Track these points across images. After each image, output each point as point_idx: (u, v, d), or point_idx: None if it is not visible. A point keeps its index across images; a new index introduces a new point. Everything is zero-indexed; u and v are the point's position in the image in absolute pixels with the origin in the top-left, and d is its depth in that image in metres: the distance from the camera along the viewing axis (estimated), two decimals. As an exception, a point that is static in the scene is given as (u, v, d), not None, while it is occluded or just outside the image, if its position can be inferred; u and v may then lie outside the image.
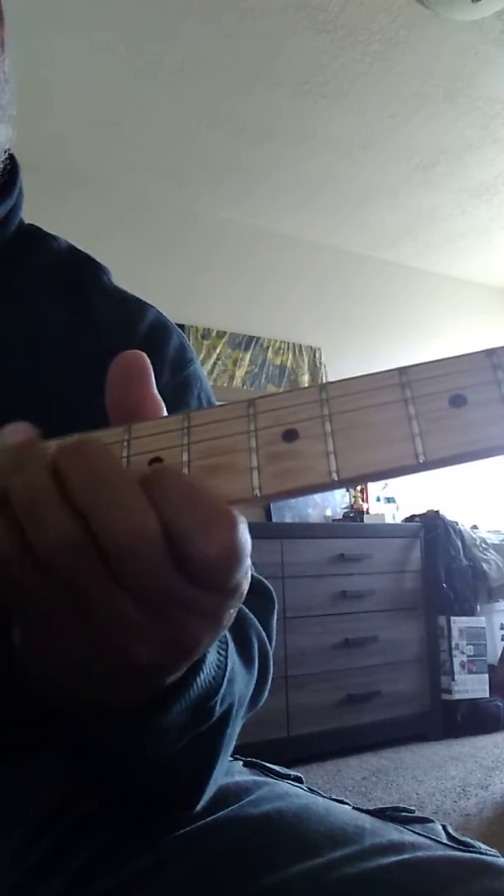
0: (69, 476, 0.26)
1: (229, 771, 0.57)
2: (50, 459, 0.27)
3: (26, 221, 0.67)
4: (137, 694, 0.32)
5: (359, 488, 3.31)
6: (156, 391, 0.32)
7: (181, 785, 0.44)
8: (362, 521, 3.17)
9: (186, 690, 0.36)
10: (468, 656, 3.10)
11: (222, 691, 0.40)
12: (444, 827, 0.49)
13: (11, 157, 0.64)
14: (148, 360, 0.31)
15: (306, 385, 3.58)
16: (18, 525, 0.26)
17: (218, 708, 0.40)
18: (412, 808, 0.52)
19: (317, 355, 3.68)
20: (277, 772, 0.60)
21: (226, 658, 0.41)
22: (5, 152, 0.62)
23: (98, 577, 0.26)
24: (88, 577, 0.26)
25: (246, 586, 0.28)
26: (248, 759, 0.62)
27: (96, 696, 0.30)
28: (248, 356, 3.50)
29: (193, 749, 0.41)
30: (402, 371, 0.28)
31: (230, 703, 0.43)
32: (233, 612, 0.29)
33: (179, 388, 0.62)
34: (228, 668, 0.41)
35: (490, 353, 0.28)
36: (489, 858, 0.44)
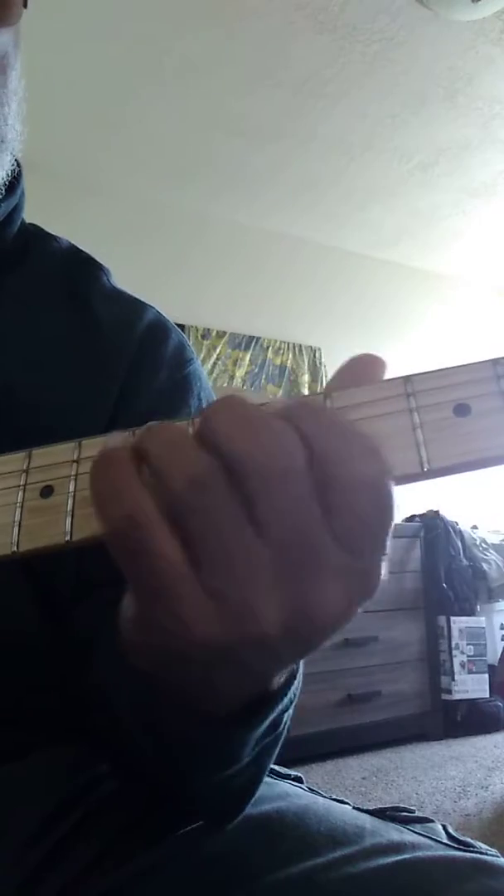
0: (210, 419, 0.26)
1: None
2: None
3: (27, 222, 0.67)
4: (241, 689, 0.31)
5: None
6: None
7: (230, 795, 0.43)
8: (362, 521, 3.16)
9: (279, 700, 0.35)
10: (468, 656, 3.10)
11: (294, 700, 0.39)
12: (444, 827, 0.49)
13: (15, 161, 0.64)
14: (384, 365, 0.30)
15: (306, 385, 3.58)
16: (157, 471, 0.26)
17: (287, 720, 0.40)
18: (412, 808, 0.52)
19: (317, 355, 3.68)
20: (277, 772, 0.60)
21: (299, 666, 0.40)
22: (12, 156, 0.62)
23: (234, 519, 0.25)
24: (223, 517, 0.25)
25: (384, 566, 0.27)
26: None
27: (197, 689, 0.30)
28: (248, 356, 3.50)
29: (258, 761, 0.40)
30: (407, 380, 0.29)
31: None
32: (363, 597, 0.27)
33: (178, 387, 0.62)
34: (299, 675, 0.40)
35: (495, 362, 0.28)
36: (489, 858, 0.44)
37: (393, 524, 0.27)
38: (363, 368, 0.30)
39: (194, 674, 0.29)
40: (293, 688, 0.37)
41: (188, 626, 0.26)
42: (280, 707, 0.36)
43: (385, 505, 0.26)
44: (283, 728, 0.41)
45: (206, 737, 0.35)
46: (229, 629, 0.26)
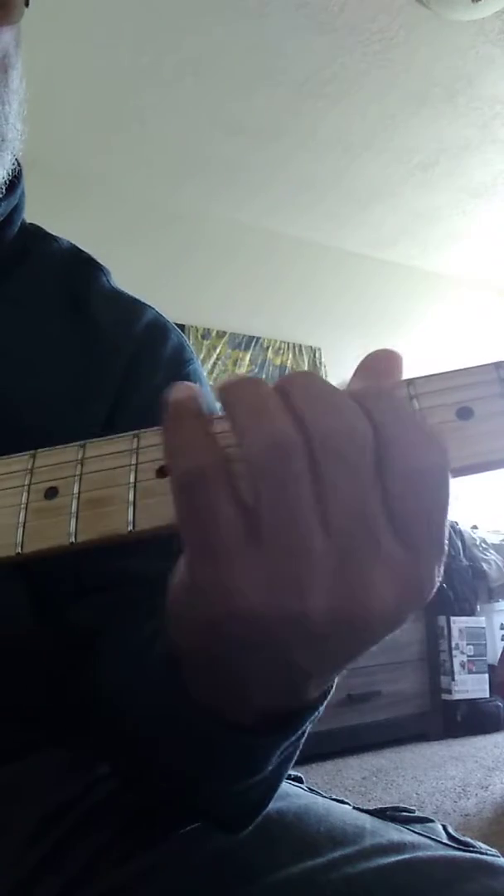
0: (289, 389, 0.27)
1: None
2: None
3: (28, 223, 0.67)
4: (274, 694, 0.30)
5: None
6: None
7: (247, 804, 0.42)
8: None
9: (311, 713, 0.35)
10: (468, 656, 3.10)
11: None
12: (444, 827, 0.49)
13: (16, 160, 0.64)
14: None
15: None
16: (241, 429, 0.26)
17: (309, 726, 0.39)
18: (412, 808, 0.52)
19: (317, 355, 3.68)
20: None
21: None
22: (13, 155, 0.62)
23: (303, 492, 0.25)
24: (294, 488, 0.25)
25: (438, 575, 0.27)
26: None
27: (230, 689, 0.30)
28: (248, 356, 3.51)
29: (278, 769, 0.40)
30: (409, 382, 0.29)
31: None
32: (413, 602, 0.27)
33: None
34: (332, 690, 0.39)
35: (498, 365, 0.28)
36: (489, 858, 0.44)
37: (448, 523, 0.27)
38: (380, 364, 0.30)
39: (230, 660, 0.29)
40: (326, 700, 0.37)
41: (234, 590, 0.26)
42: (311, 717, 0.36)
43: (442, 495, 0.26)
44: (305, 735, 0.40)
45: (232, 745, 0.34)
46: (274, 603, 0.26)
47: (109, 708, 0.47)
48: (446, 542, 0.27)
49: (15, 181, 0.63)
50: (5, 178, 0.60)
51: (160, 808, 0.49)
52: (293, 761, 0.42)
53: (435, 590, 0.27)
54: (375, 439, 0.26)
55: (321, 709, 0.37)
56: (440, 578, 0.27)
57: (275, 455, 0.26)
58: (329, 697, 0.37)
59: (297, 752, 0.41)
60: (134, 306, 0.65)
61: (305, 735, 0.40)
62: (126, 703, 0.44)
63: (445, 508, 0.26)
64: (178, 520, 0.27)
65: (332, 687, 0.35)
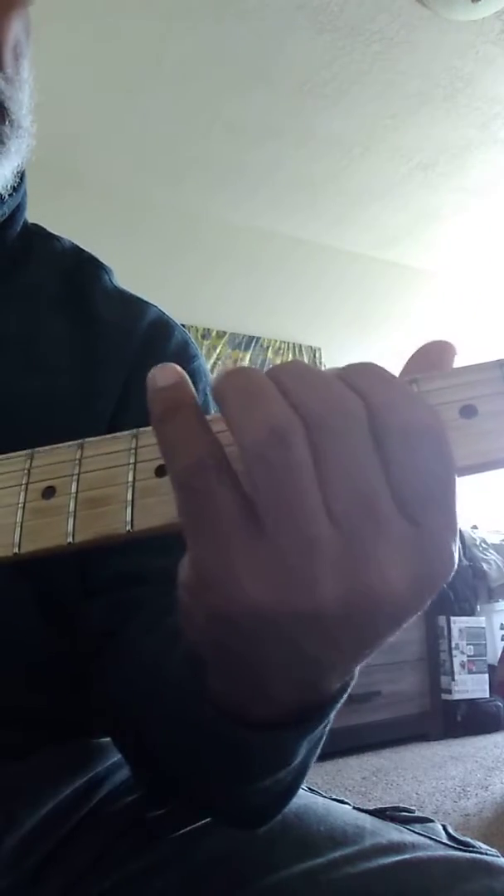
0: (279, 376, 0.27)
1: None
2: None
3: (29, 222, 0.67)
4: (293, 689, 0.30)
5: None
6: None
7: (275, 794, 0.41)
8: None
9: (333, 706, 0.34)
10: (468, 656, 3.10)
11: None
12: (444, 827, 0.49)
13: None
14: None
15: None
16: (236, 417, 0.26)
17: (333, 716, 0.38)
18: (412, 808, 0.52)
19: (317, 355, 3.68)
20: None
21: None
22: (28, 144, 0.61)
23: (304, 478, 0.25)
24: (294, 474, 0.25)
25: (454, 550, 0.26)
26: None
27: (249, 684, 0.29)
28: (248, 356, 3.51)
29: (304, 760, 0.39)
30: (413, 381, 0.28)
31: None
32: (428, 581, 0.26)
33: None
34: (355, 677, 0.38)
35: (502, 363, 0.28)
36: (489, 858, 0.44)
37: (455, 488, 0.26)
38: (436, 355, 0.30)
39: (243, 656, 0.28)
40: (348, 690, 0.36)
41: (239, 583, 0.25)
42: (334, 709, 0.35)
43: (442, 453, 0.26)
44: (330, 724, 0.39)
45: (256, 743, 0.34)
46: (281, 595, 0.25)
47: (125, 710, 0.46)
48: (457, 516, 0.26)
49: (18, 181, 0.63)
50: (21, 167, 0.60)
51: (163, 808, 0.49)
52: (319, 749, 0.41)
53: (453, 569, 0.26)
54: (367, 409, 0.26)
55: (344, 698, 0.36)
56: (456, 557, 0.26)
57: (272, 441, 0.25)
58: (350, 688, 0.36)
59: (323, 740, 0.40)
60: (137, 305, 0.65)
61: (330, 724, 0.39)
62: (142, 707, 0.44)
63: (448, 476, 0.26)
64: (180, 515, 0.27)
65: (353, 678, 0.34)
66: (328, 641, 0.27)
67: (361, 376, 0.27)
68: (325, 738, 0.40)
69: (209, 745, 0.36)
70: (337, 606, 0.25)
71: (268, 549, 0.25)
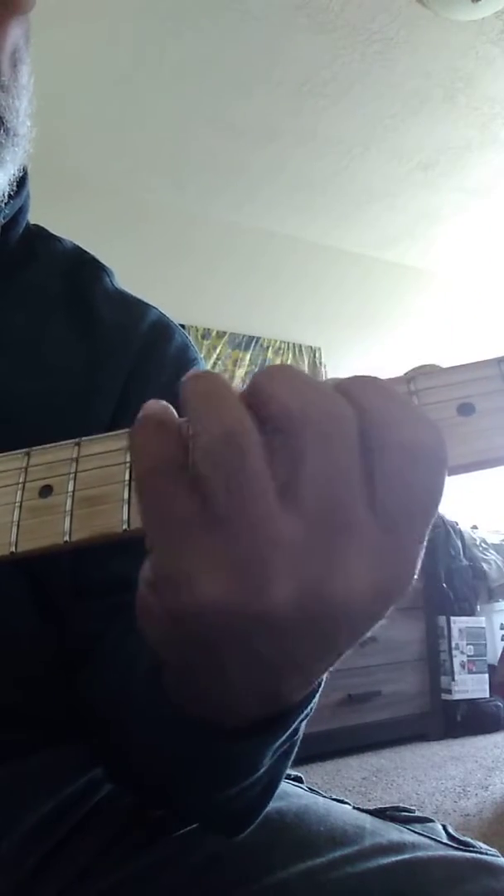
0: (261, 379, 0.26)
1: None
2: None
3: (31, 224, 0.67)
4: (256, 698, 0.30)
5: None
6: None
7: (243, 807, 0.42)
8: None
9: (298, 712, 0.34)
10: (468, 656, 3.09)
11: (314, 707, 0.37)
12: (444, 827, 0.49)
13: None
14: None
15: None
16: (193, 418, 0.26)
17: (304, 725, 0.38)
18: (412, 808, 0.52)
19: (317, 355, 3.68)
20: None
21: None
22: (25, 152, 0.61)
23: (261, 482, 0.24)
24: (251, 478, 0.24)
25: (418, 562, 0.26)
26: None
27: (213, 692, 0.29)
28: (248, 356, 3.51)
29: (272, 770, 0.39)
30: (409, 379, 0.28)
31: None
32: (391, 590, 0.26)
33: None
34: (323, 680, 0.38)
35: (500, 360, 0.27)
36: (489, 858, 0.44)
37: (437, 509, 0.26)
38: None
39: (198, 661, 0.28)
40: (315, 699, 0.36)
41: (192, 583, 0.25)
42: (300, 717, 0.35)
43: (439, 472, 0.25)
44: (300, 734, 0.39)
45: (217, 750, 0.34)
46: (235, 597, 0.25)
47: (105, 713, 0.47)
48: (428, 528, 0.26)
49: (20, 183, 0.63)
50: (17, 175, 0.60)
51: (158, 811, 0.49)
52: (291, 758, 0.41)
53: (412, 583, 0.26)
54: (360, 419, 0.25)
55: (311, 707, 0.36)
56: (418, 570, 0.26)
57: (225, 443, 0.25)
58: (317, 698, 0.36)
59: (295, 749, 0.40)
60: (138, 306, 0.65)
61: (300, 732, 0.39)
62: (118, 711, 0.44)
63: (438, 495, 0.25)
64: (140, 514, 0.27)
65: (319, 687, 0.34)
66: (283, 647, 0.26)
67: (360, 388, 0.26)
68: (297, 746, 0.40)
69: (172, 749, 0.36)
70: (291, 609, 0.25)
71: (223, 549, 0.25)
